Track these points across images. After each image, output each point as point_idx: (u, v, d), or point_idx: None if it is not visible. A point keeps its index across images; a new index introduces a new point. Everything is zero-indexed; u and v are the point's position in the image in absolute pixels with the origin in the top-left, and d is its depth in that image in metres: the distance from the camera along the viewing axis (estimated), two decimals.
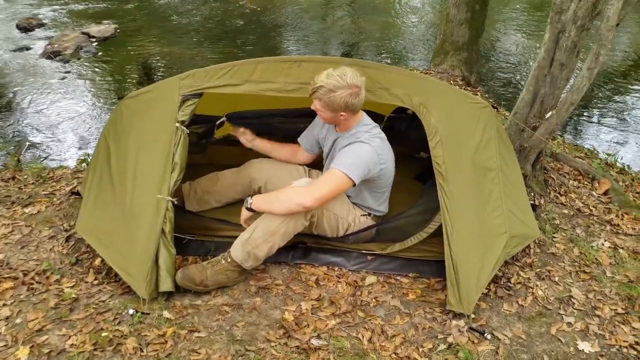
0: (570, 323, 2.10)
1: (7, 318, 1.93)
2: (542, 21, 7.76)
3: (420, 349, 1.92)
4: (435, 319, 2.07)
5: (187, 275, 2.05)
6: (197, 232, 2.38)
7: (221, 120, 2.45)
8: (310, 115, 2.40)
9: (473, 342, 1.96)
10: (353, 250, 2.34)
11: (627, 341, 2.01)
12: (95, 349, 1.80)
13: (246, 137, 2.49)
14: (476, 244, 2.12)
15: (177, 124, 2.10)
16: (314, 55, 6.50)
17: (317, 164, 2.54)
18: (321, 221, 2.18)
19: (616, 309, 2.18)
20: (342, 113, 2.04)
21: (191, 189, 2.53)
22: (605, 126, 4.93)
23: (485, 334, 1.99)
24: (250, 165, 2.51)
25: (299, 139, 2.49)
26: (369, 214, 2.31)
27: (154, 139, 2.15)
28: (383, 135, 2.18)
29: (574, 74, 2.68)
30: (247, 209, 2.09)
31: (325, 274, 2.28)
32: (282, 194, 2.05)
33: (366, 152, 2.07)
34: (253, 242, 2.06)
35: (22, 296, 2.04)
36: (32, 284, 2.11)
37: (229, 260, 2.09)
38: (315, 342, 1.92)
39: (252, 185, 2.49)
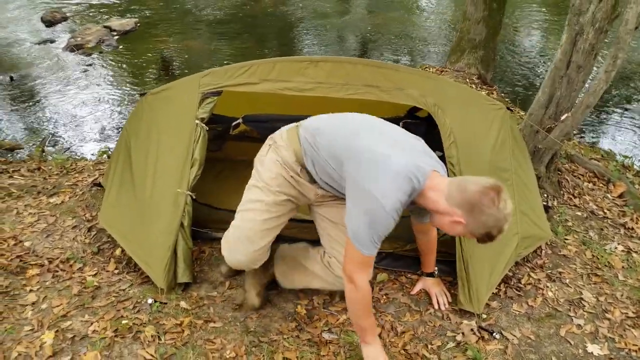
0: (579, 325, 2.11)
1: (33, 303, 2.02)
2: (560, 20, 7.64)
3: (429, 346, 1.96)
4: (445, 317, 2.11)
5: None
6: (213, 225, 2.44)
7: (237, 122, 2.49)
8: None
9: (482, 340, 1.99)
10: None
11: (637, 345, 2.02)
12: (115, 336, 1.89)
13: None
14: (487, 244, 2.14)
15: (197, 121, 2.16)
16: (331, 50, 6.53)
17: None
18: None
19: (627, 313, 2.19)
20: None
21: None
22: (623, 128, 4.86)
23: (494, 334, 2.02)
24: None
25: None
26: None
27: (174, 135, 2.21)
28: None
29: (590, 76, 2.67)
30: None
31: None
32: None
33: None
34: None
35: (47, 283, 2.13)
36: (57, 271, 2.20)
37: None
38: (326, 336, 1.97)
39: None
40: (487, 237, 1.56)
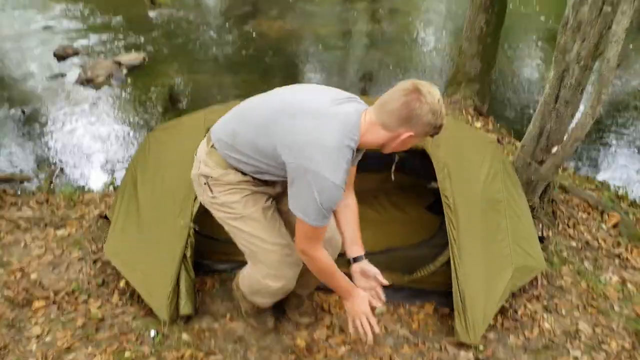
0: (576, 357, 2.13)
1: (37, 336, 2.07)
2: (552, 54, 7.83)
3: None
4: (442, 348, 2.14)
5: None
6: (214, 257, 2.50)
7: None
8: None
9: None
10: None
11: None
12: None
13: None
14: (483, 276, 2.19)
15: None
16: (333, 83, 6.70)
17: None
18: None
19: (623, 344, 2.21)
20: None
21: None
22: (619, 157, 4.94)
23: None
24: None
25: None
26: None
27: (180, 169, 2.30)
28: None
29: (579, 110, 2.77)
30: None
31: (336, 300, 2.37)
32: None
33: None
34: None
35: (52, 315, 2.19)
36: (62, 303, 2.26)
37: None
38: None
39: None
40: (436, 129, 1.58)
